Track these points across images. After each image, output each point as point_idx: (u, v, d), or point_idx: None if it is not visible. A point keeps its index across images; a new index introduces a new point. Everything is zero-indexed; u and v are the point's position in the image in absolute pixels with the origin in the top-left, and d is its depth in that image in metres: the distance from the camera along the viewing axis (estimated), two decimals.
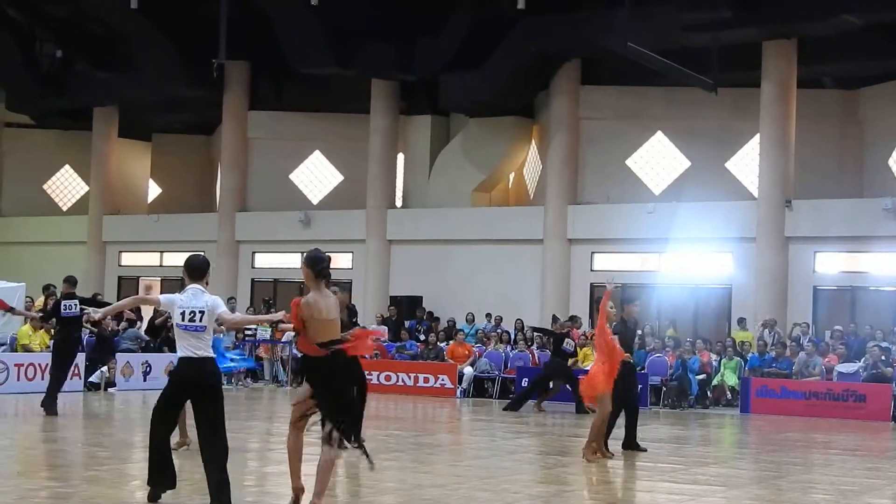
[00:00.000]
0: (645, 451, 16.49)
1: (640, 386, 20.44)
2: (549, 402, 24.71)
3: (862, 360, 25.40)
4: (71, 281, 20.20)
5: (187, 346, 10.39)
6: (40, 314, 23.68)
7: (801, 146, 30.12)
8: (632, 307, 16.89)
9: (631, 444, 16.62)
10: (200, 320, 10.41)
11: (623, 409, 16.52)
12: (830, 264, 29.71)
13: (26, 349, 24.95)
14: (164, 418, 10.62)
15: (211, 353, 10.53)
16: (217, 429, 10.36)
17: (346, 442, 10.23)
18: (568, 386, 23.92)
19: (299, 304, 10.21)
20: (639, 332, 22.77)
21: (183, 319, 10.39)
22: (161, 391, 10.81)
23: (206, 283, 10.70)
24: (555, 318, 26.39)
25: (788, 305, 29.52)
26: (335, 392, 10.30)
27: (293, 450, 10.75)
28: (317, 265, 10.39)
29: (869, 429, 21.65)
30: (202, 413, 10.39)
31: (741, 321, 28.91)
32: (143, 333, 28.32)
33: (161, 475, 10.64)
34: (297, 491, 10.72)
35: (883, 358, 24.85)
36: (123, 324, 28.04)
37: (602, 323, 15.55)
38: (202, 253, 11.52)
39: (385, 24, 33.27)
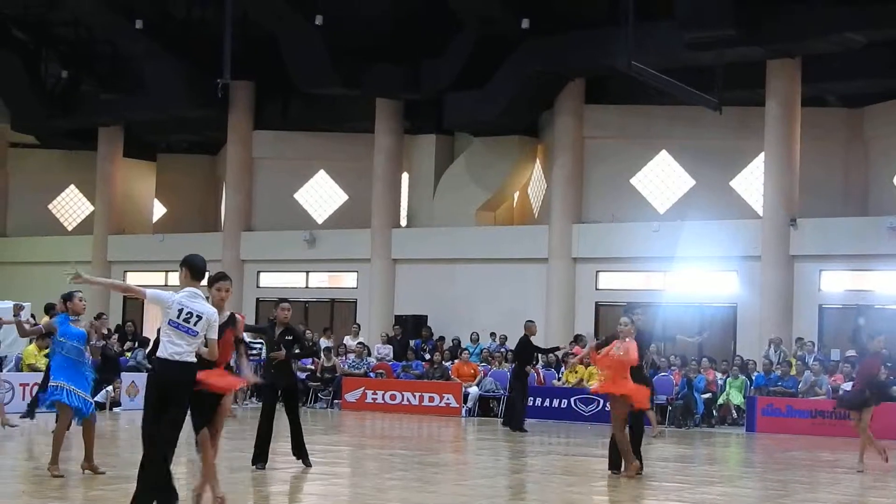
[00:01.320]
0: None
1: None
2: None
3: None
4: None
5: (172, 347, 10.15)
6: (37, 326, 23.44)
7: (806, 164, 30.11)
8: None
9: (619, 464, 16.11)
10: (195, 325, 10.21)
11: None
12: (835, 283, 29.68)
13: (32, 368, 24.92)
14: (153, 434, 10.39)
15: (193, 361, 10.30)
16: (174, 429, 10.26)
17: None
18: None
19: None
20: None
21: (178, 317, 10.16)
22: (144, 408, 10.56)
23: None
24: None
25: (794, 324, 29.48)
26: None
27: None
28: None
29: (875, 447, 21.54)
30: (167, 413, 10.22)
31: None
32: (144, 361, 28.12)
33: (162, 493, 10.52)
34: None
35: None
36: (128, 343, 28.06)
37: (593, 355, 15.76)
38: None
39: (390, 44, 33.37)
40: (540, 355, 28.38)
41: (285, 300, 16.06)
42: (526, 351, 25.00)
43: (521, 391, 24.47)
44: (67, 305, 14.54)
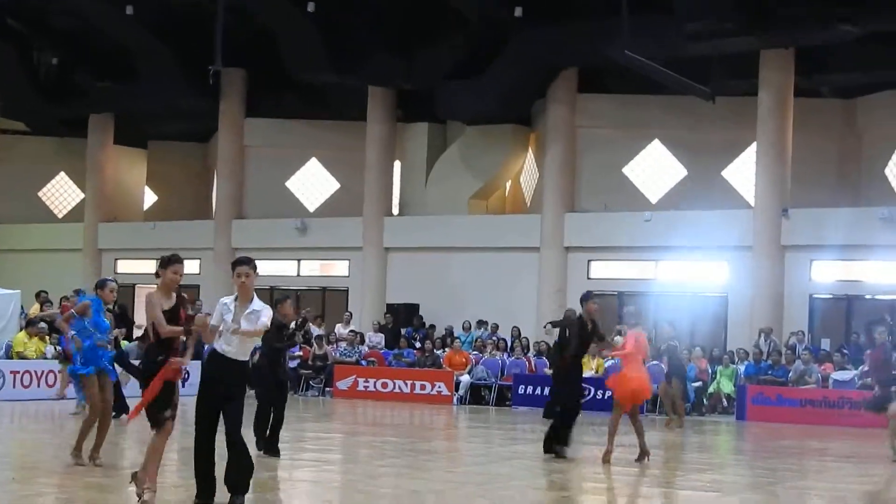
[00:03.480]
0: (565, 458, 16.09)
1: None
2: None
3: (857, 369, 25.44)
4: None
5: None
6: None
7: (798, 155, 30.14)
8: (590, 305, 16.52)
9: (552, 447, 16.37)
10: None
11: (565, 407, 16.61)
12: (827, 273, 29.72)
13: (21, 356, 24.88)
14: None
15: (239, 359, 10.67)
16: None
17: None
18: None
19: None
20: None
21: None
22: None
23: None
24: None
25: (784, 314, 29.52)
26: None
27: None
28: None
29: (864, 436, 21.62)
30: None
31: None
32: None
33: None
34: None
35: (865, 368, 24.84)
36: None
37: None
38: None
39: (383, 33, 33.30)
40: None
41: (287, 298, 16.19)
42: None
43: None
44: (99, 293, 14.37)
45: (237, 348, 10.58)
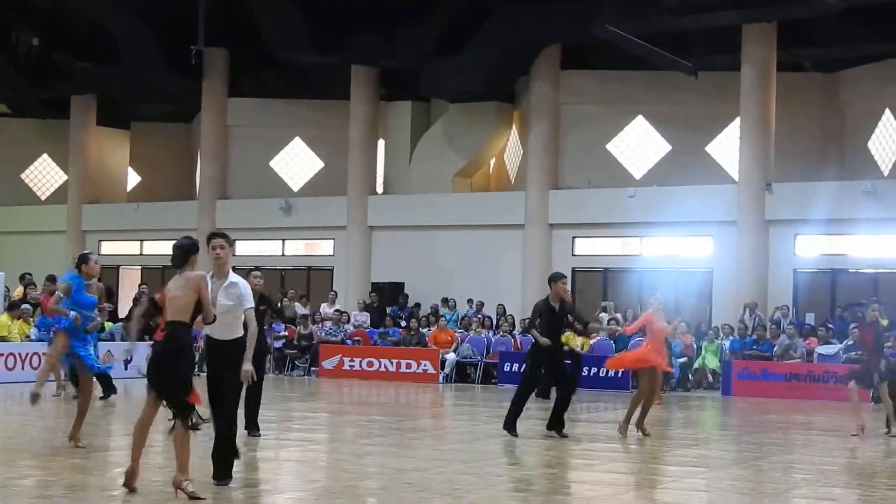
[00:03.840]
0: (566, 437, 16.21)
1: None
2: None
3: (842, 343, 25.51)
4: None
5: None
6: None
7: (782, 129, 30.15)
8: (560, 286, 16.44)
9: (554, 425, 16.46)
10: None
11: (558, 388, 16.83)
12: (811, 247, 29.75)
13: (4, 339, 24.78)
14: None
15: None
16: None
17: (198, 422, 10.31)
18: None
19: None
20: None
21: None
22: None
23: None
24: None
25: (769, 288, 29.56)
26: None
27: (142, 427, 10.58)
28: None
29: (849, 410, 21.64)
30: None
31: None
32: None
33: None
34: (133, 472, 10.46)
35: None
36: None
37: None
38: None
39: (365, 11, 33.18)
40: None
41: (257, 268, 15.92)
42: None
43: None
44: (83, 268, 14.20)
45: (219, 328, 10.55)
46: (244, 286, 10.73)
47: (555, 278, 16.52)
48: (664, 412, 21.33)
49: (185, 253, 10.39)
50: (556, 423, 16.36)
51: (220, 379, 10.71)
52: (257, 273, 15.08)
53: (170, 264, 10.65)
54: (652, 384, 16.66)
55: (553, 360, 16.51)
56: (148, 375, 10.49)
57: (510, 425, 16.23)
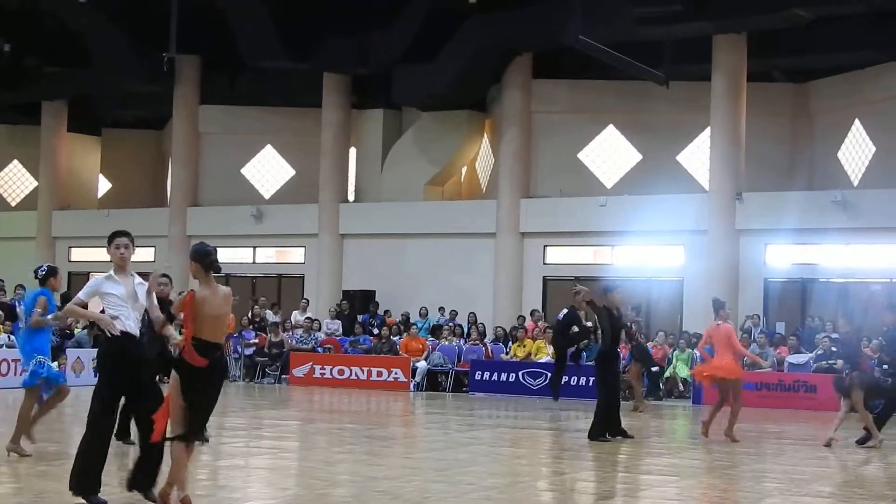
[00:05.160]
0: (632, 437, 17.22)
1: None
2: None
3: (812, 352, 25.62)
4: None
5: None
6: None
7: (752, 139, 30.29)
8: (614, 295, 17.34)
9: (619, 430, 17.27)
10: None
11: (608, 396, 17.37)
12: (781, 256, 29.89)
13: None
14: None
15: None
16: None
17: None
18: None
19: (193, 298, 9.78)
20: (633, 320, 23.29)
21: None
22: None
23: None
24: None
25: (740, 297, 29.67)
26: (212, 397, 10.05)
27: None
28: (205, 259, 9.88)
29: (819, 419, 21.77)
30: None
31: None
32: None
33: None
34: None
35: (833, 349, 25.06)
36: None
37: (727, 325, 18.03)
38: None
39: (337, 18, 33.17)
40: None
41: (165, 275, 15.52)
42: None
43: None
44: (50, 282, 14.13)
45: (136, 325, 10.44)
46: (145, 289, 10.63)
47: (611, 288, 17.57)
48: (636, 421, 21.36)
49: None
50: (617, 427, 17.15)
51: (138, 377, 10.34)
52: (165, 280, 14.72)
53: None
54: (736, 391, 17.98)
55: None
56: (191, 396, 9.89)
57: (615, 430, 17.09)
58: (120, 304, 10.30)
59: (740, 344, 18.93)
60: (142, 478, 10.30)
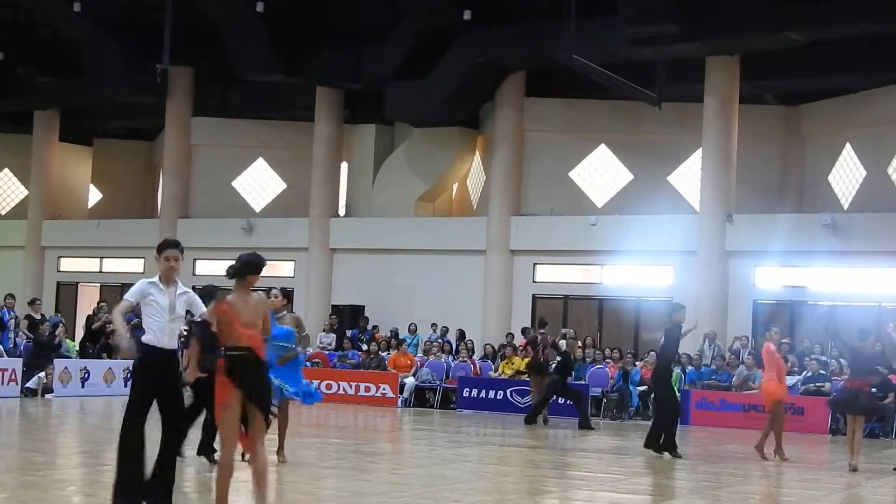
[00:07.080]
0: (681, 457, 17.81)
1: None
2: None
3: (801, 374, 25.65)
4: None
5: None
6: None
7: (743, 161, 30.36)
8: (681, 315, 18.18)
9: (670, 445, 18.06)
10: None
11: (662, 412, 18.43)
12: (770, 278, 29.94)
13: None
14: None
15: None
16: None
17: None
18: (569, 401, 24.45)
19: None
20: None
21: None
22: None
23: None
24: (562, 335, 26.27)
25: (729, 318, 29.71)
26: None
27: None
28: (236, 266, 10.16)
29: (807, 441, 21.82)
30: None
31: None
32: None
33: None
34: None
35: (821, 372, 25.11)
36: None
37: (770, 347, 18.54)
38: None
39: (331, 33, 33.22)
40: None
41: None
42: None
43: None
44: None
45: (170, 336, 10.40)
46: (194, 294, 10.63)
47: (678, 308, 18.38)
48: (623, 440, 21.37)
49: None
50: (669, 444, 18.03)
51: (168, 389, 10.33)
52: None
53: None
54: (780, 412, 18.60)
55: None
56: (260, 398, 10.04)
57: (670, 446, 17.96)
58: (159, 313, 10.24)
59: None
60: (152, 489, 10.26)
